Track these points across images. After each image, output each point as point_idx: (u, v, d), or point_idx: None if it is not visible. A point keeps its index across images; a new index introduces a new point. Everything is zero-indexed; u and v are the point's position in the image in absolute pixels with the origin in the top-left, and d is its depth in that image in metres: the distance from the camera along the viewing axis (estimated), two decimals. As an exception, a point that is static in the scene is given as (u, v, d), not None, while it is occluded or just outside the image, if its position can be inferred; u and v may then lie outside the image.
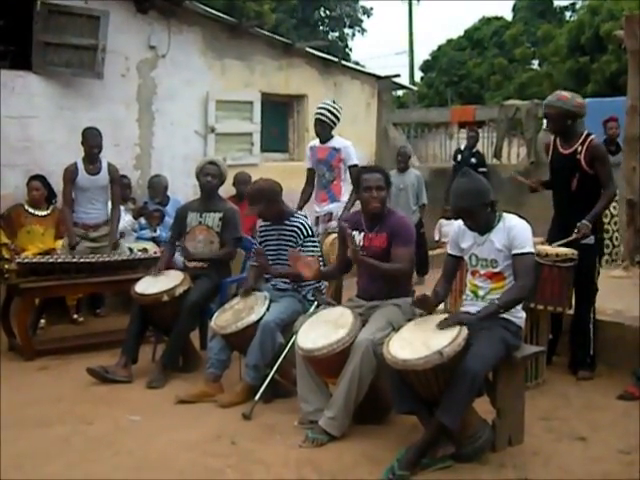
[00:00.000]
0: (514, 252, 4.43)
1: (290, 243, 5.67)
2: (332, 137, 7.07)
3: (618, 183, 8.03)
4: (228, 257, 6.42)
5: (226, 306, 5.65)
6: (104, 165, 7.29)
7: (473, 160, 11.53)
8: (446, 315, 4.42)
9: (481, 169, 11.36)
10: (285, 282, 5.72)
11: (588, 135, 5.79)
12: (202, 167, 6.41)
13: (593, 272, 5.81)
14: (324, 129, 7.00)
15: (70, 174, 7.19)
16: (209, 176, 6.34)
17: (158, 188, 8.67)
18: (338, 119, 7.01)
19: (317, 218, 7.05)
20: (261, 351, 5.28)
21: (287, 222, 5.72)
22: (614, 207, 8.46)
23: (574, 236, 5.61)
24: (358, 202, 5.32)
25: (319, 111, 7.00)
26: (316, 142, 7.15)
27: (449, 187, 11.53)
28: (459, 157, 11.97)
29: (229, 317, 5.47)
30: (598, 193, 5.71)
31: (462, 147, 12.35)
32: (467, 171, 4.67)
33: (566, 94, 5.79)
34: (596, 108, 11.92)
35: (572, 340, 5.97)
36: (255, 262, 5.77)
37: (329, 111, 6.95)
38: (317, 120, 7.02)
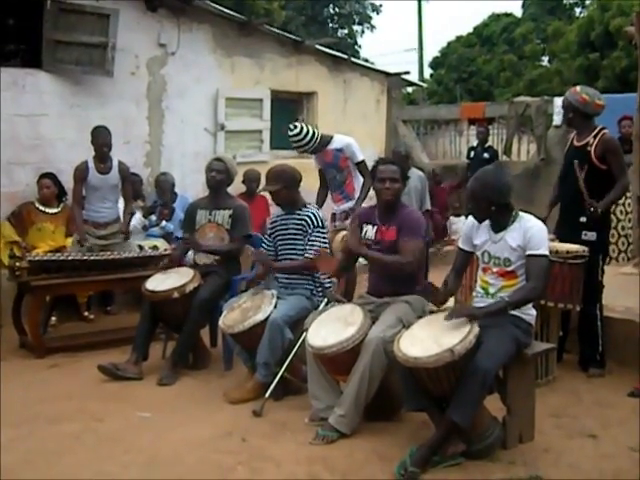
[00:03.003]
0: (528, 253, 4.41)
1: (299, 233, 5.69)
2: (331, 138, 7.06)
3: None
4: (235, 252, 6.38)
5: (234, 304, 5.64)
6: (115, 164, 7.30)
7: (486, 155, 11.51)
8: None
9: None
10: (294, 279, 5.73)
11: (602, 129, 5.81)
12: (209, 164, 6.43)
13: (597, 269, 5.79)
14: (316, 147, 7.02)
15: (81, 173, 7.20)
16: (214, 171, 6.34)
17: (165, 186, 8.67)
18: (312, 134, 6.99)
19: (334, 215, 7.07)
20: (270, 348, 5.28)
21: (298, 212, 5.73)
22: (629, 204, 8.43)
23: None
24: (371, 195, 5.32)
25: (296, 146, 7.05)
26: None
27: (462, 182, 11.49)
28: (472, 154, 11.96)
29: (237, 316, 5.47)
30: (606, 189, 5.69)
31: (474, 144, 12.33)
32: (501, 165, 4.69)
33: (586, 96, 5.78)
34: (607, 104, 11.87)
35: (580, 337, 5.97)
36: (258, 263, 5.81)
37: (300, 141, 6.97)
38: (306, 152, 7.13)
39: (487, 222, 4.60)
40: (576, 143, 5.89)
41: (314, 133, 6.99)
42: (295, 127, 7.00)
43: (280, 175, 5.73)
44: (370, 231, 5.08)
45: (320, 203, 7.06)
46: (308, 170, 7.36)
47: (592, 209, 5.53)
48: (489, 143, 12.18)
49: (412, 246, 4.87)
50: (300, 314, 5.39)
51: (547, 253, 4.48)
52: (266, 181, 5.83)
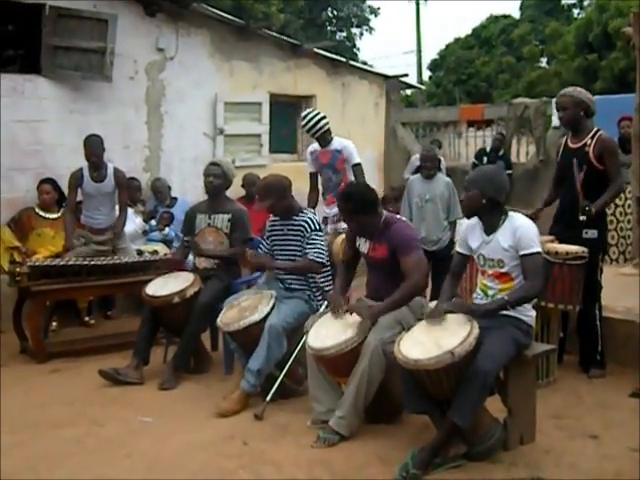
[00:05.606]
0: (521, 253, 4.39)
1: (297, 238, 5.68)
2: (332, 139, 7.08)
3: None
4: (235, 256, 6.38)
5: (234, 302, 5.62)
6: (110, 171, 7.26)
7: (501, 163, 11.50)
8: (456, 315, 4.41)
9: (507, 171, 11.32)
10: (295, 281, 5.72)
11: (598, 130, 5.81)
12: (206, 169, 6.42)
13: (596, 269, 5.79)
14: (325, 137, 7.03)
15: (75, 180, 7.19)
16: (211, 177, 6.34)
17: (164, 191, 8.74)
18: (326, 120, 7.03)
19: (325, 219, 7.05)
20: (267, 357, 5.25)
21: (295, 217, 5.72)
22: (628, 205, 8.44)
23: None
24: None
25: (311, 125, 6.99)
26: (316, 146, 7.17)
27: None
28: (485, 159, 11.91)
29: (234, 315, 5.46)
30: (604, 190, 5.68)
31: (488, 149, 12.30)
32: (500, 166, 4.71)
33: (580, 89, 5.85)
34: (605, 105, 11.87)
35: (580, 338, 5.97)
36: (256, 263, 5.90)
37: (315, 117, 6.98)
38: (318, 137, 7.07)
39: (481, 225, 4.60)
40: (572, 145, 5.86)
41: (326, 117, 7.08)
42: (310, 112, 7.11)
43: (268, 189, 5.67)
44: (363, 245, 5.11)
45: (310, 207, 7.03)
46: (307, 173, 7.36)
47: (587, 209, 5.52)
48: (502, 150, 12.17)
49: (412, 262, 4.84)
50: (299, 320, 5.38)
51: (539, 250, 4.44)
52: (257, 198, 5.82)
